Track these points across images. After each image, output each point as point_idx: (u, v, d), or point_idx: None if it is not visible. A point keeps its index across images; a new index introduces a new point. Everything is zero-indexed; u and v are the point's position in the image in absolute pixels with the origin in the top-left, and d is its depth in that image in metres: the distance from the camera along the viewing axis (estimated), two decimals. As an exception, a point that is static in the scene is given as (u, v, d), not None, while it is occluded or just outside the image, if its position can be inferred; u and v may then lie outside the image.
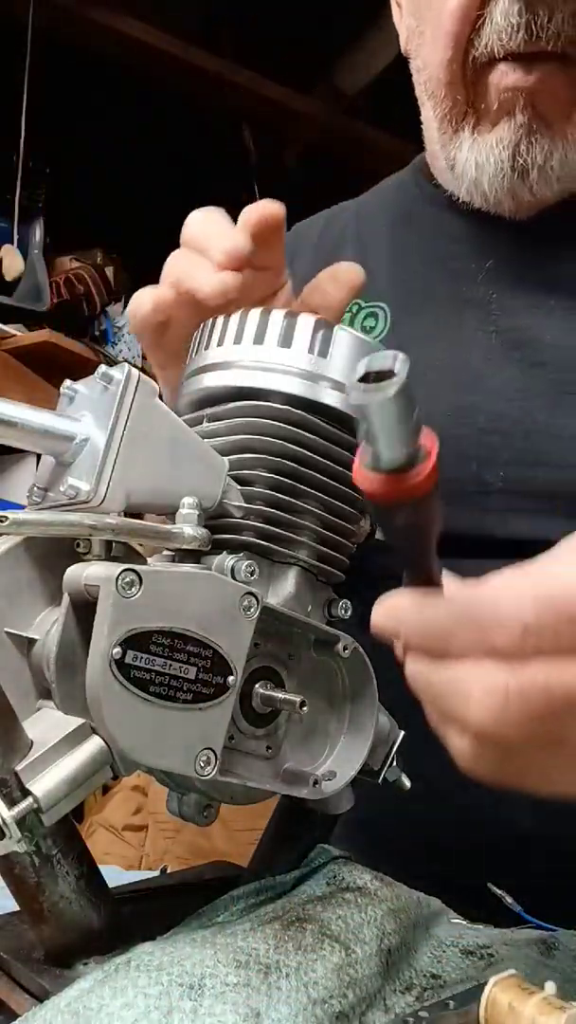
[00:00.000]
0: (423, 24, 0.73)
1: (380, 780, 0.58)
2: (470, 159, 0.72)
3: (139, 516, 0.50)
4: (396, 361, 0.32)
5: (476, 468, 0.72)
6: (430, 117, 0.77)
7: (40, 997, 0.47)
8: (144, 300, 0.59)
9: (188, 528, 0.49)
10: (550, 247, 0.76)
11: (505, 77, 0.68)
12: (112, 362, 1.39)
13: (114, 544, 0.49)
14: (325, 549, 0.55)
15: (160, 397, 0.50)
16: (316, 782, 0.53)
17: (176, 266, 0.59)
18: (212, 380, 0.55)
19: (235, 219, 0.60)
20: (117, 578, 0.43)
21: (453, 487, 0.71)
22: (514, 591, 0.39)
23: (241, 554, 0.52)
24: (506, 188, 0.72)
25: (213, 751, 0.46)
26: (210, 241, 0.58)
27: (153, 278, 0.61)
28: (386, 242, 0.85)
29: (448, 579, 0.42)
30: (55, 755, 0.45)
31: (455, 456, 0.72)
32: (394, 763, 0.58)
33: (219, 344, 0.55)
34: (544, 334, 0.74)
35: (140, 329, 0.61)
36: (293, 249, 0.92)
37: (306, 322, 0.53)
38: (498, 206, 0.76)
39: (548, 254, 0.76)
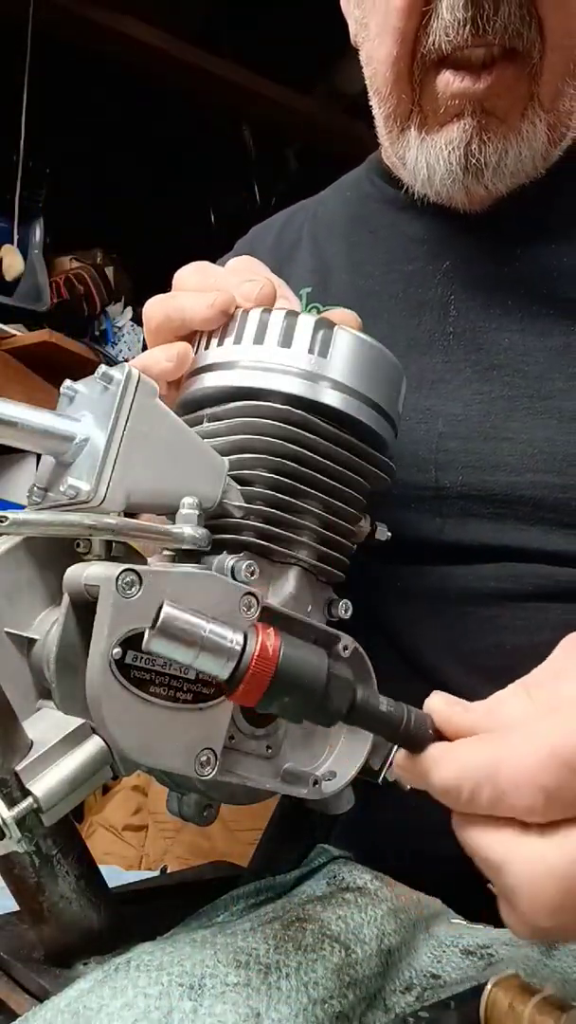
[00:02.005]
0: (368, 16, 0.71)
1: (380, 780, 0.58)
2: (420, 159, 0.71)
3: (138, 516, 0.50)
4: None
5: (435, 472, 0.71)
6: (377, 113, 0.75)
7: (40, 997, 0.47)
8: (159, 359, 0.57)
9: (188, 528, 0.49)
10: (506, 245, 0.75)
11: (452, 85, 0.66)
12: (112, 362, 1.39)
13: (114, 544, 0.49)
14: (325, 549, 0.55)
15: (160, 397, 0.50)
16: (316, 782, 0.53)
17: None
18: (212, 380, 0.55)
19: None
20: (117, 578, 0.43)
21: (412, 492, 0.71)
22: (529, 749, 0.37)
23: (241, 554, 0.52)
24: (459, 187, 0.71)
25: (213, 751, 0.46)
26: (230, 285, 0.57)
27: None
28: (343, 244, 0.85)
29: (442, 706, 0.42)
30: (55, 755, 0.45)
31: (415, 461, 0.72)
32: (394, 763, 0.58)
33: (219, 344, 0.55)
34: (501, 336, 0.73)
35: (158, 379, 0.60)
36: (250, 252, 0.92)
37: (306, 322, 0.53)
38: (451, 201, 0.75)
39: (504, 253, 0.75)
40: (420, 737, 0.40)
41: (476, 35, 0.64)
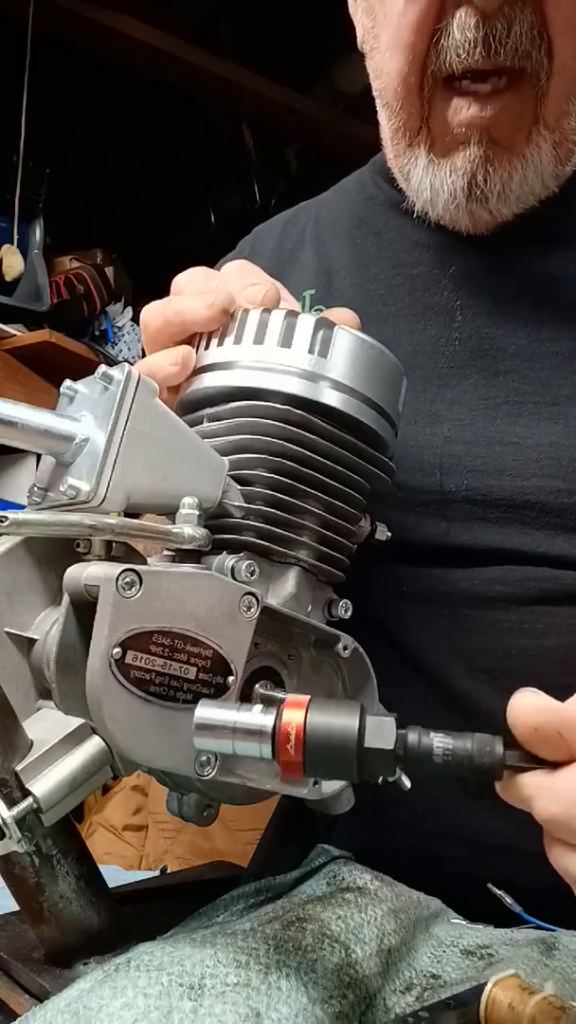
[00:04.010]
0: (378, 27, 0.71)
1: (380, 780, 0.58)
2: (424, 181, 0.71)
3: (139, 516, 0.50)
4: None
5: (440, 476, 0.71)
6: (385, 125, 0.76)
7: (40, 997, 0.47)
8: (163, 363, 0.57)
9: (188, 528, 0.49)
10: (513, 254, 0.75)
11: (460, 112, 0.66)
12: (112, 362, 1.39)
13: (114, 544, 0.49)
14: (325, 549, 0.55)
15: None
16: (316, 782, 0.53)
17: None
18: (212, 380, 0.55)
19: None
20: (117, 578, 0.43)
21: (417, 496, 0.71)
22: None
23: (241, 554, 0.52)
24: (462, 212, 0.72)
25: (213, 751, 0.46)
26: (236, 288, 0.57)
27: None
28: (347, 246, 0.85)
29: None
30: (55, 755, 0.45)
31: (420, 465, 0.72)
32: (394, 763, 0.58)
33: (219, 344, 0.55)
34: (507, 341, 0.73)
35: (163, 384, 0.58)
36: (252, 252, 0.92)
37: (306, 322, 0.53)
38: (454, 224, 0.75)
39: (511, 261, 0.75)
40: (488, 767, 0.40)
41: (487, 56, 0.64)
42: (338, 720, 0.40)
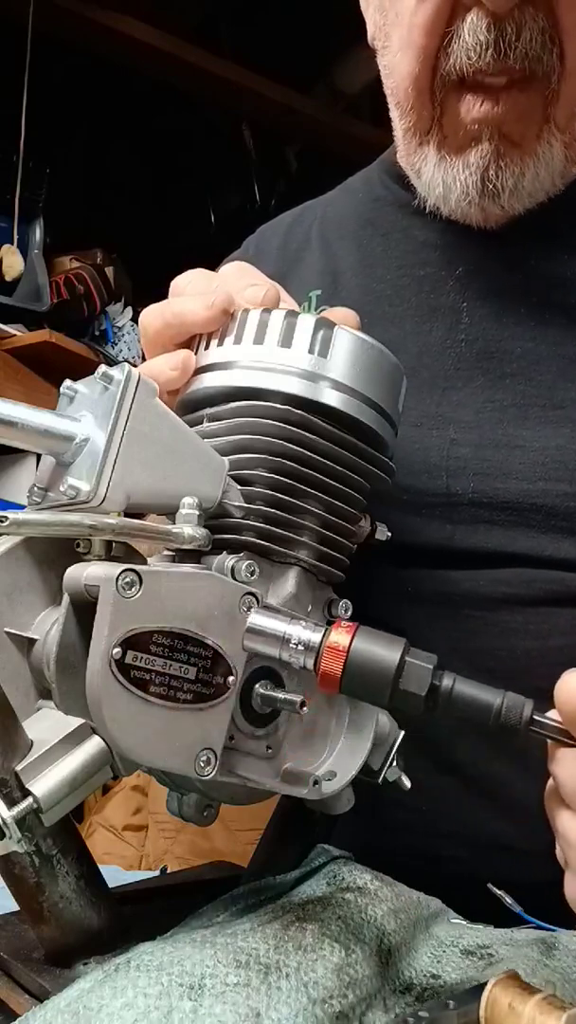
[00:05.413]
0: (389, 27, 0.71)
1: (380, 780, 0.58)
2: (436, 177, 0.71)
3: (139, 516, 0.50)
4: None
5: (446, 479, 0.71)
6: (397, 123, 0.75)
7: (40, 997, 0.47)
8: (164, 368, 0.56)
9: (188, 528, 0.49)
10: (520, 255, 0.75)
11: (472, 110, 0.66)
12: (112, 362, 1.39)
13: (114, 544, 0.48)
14: (325, 549, 0.55)
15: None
16: (316, 782, 0.53)
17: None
18: (212, 380, 0.55)
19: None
20: (117, 578, 0.43)
21: (423, 499, 0.71)
22: None
23: (241, 554, 0.52)
24: (475, 207, 0.71)
25: (213, 751, 0.46)
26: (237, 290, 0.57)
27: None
28: (353, 246, 0.84)
29: None
30: (55, 755, 0.45)
31: (426, 467, 0.72)
32: (394, 763, 0.58)
33: (219, 344, 0.55)
34: (513, 344, 0.73)
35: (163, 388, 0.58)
36: (257, 251, 0.91)
37: (306, 322, 0.53)
38: (466, 219, 0.75)
39: (518, 262, 0.75)
40: (513, 725, 0.44)
41: (497, 59, 0.63)
42: (381, 650, 0.44)
